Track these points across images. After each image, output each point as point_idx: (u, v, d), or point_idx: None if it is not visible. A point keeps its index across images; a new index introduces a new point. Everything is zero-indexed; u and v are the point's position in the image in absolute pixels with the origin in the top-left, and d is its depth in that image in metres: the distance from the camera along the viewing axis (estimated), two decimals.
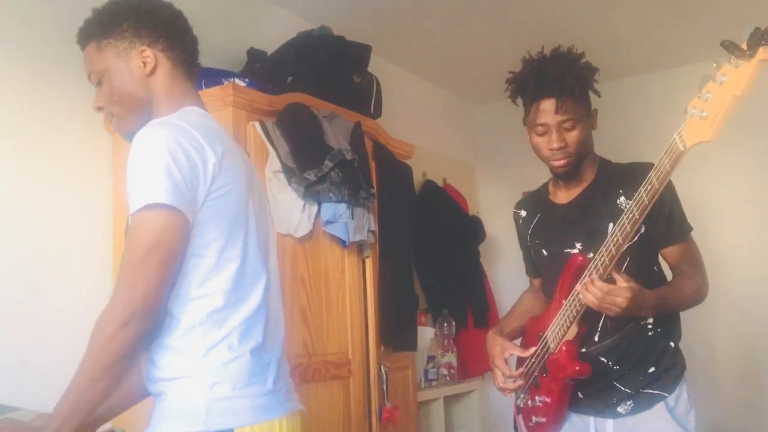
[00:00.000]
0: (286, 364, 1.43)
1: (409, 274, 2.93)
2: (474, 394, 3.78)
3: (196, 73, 1.51)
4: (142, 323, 1.20)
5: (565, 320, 1.72)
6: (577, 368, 1.72)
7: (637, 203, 1.52)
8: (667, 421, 1.73)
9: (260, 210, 1.44)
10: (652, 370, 1.76)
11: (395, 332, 2.69)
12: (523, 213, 2.03)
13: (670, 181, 1.71)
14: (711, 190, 3.59)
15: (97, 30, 1.42)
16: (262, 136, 2.24)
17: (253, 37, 2.84)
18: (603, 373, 1.75)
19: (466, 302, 3.81)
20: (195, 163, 1.26)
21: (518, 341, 1.98)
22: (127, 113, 1.42)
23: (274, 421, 1.29)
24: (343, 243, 2.42)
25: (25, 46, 2.16)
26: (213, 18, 2.77)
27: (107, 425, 1.75)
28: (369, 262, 2.61)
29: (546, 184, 2.00)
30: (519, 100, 1.90)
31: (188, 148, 1.26)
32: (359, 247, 2.56)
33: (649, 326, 1.76)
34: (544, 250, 1.92)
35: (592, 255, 1.66)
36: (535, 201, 2.01)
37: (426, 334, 3.36)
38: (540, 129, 1.80)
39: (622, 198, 1.75)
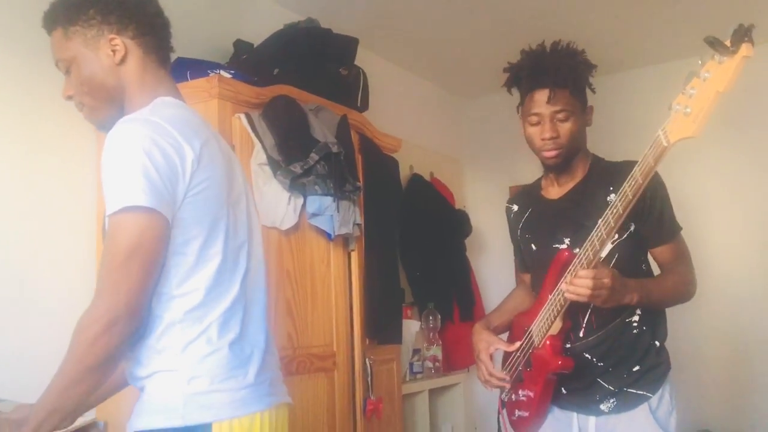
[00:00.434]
0: (273, 355, 1.41)
1: (395, 267, 2.94)
2: (458, 387, 3.80)
3: (169, 58, 1.46)
4: (127, 326, 1.19)
5: (550, 315, 1.72)
6: (560, 363, 1.73)
7: (621, 198, 1.52)
8: (648, 423, 1.73)
9: (242, 199, 1.41)
10: (636, 368, 1.76)
11: (380, 325, 2.69)
12: (515, 207, 2.04)
13: (661, 180, 1.74)
14: (697, 188, 3.60)
15: (63, 16, 1.37)
16: (248, 128, 2.23)
17: (240, 28, 2.82)
18: (587, 369, 1.76)
19: (451, 296, 3.83)
20: (172, 162, 1.23)
21: (505, 336, 1.99)
22: (98, 104, 1.39)
23: (255, 416, 1.28)
24: (328, 236, 2.42)
25: (3, 30, 2.14)
26: (199, 9, 2.75)
27: (89, 416, 1.75)
28: (354, 256, 2.61)
29: (539, 180, 2.00)
30: (514, 91, 1.90)
31: (164, 146, 1.23)
32: (345, 241, 2.56)
33: (635, 324, 1.77)
34: (533, 245, 1.92)
35: (578, 250, 1.67)
36: (527, 196, 2.02)
37: (411, 327, 3.37)
38: (533, 119, 1.81)
39: (612, 195, 1.74)
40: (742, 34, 1.26)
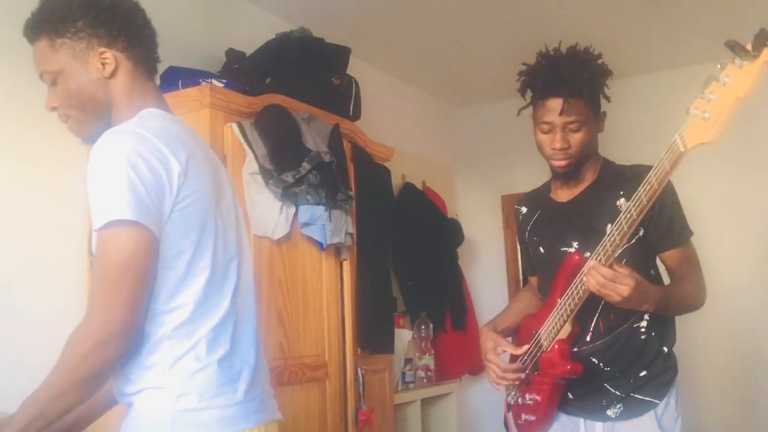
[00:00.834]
0: (264, 370, 1.40)
1: (387, 276, 2.93)
2: (451, 396, 3.79)
3: (156, 69, 1.44)
4: (121, 344, 1.17)
5: (559, 319, 1.71)
6: (569, 368, 1.71)
7: (635, 203, 1.50)
8: (654, 430, 1.72)
9: (231, 211, 1.40)
10: (643, 373, 1.75)
11: (372, 335, 2.68)
12: (524, 210, 2.01)
13: (671, 184, 1.71)
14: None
15: (49, 27, 1.33)
16: (240, 137, 2.23)
17: (232, 37, 2.82)
18: (593, 374, 1.74)
19: (444, 305, 3.82)
20: (159, 175, 1.21)
21: (510, 339, 1.97)
22: (85, 117, 1.36)
23: None
24: (320, 245, 2.41)
25: None
26: (191, 18, 2.75)
27: None
28: (346, 265, 2.60)
29: (548, 182, 1.98)
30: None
31: (151, 159, 1.21)
32: (337, 250, 2.55)
33: (643, 329, 1.75)
34: (541, 248, 1.91)
35: (588, 254, 1.65)
36: (536, 198, 2.00)
37: (403, 336, 3.36)
38: (545, 127, 1.78)
39: (623, 199, 1.73)
40: (765, 39, 1.23)
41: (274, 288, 2.28)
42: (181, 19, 2.66)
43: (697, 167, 3.56)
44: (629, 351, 1.75)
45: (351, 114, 2.86)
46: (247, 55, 2.72)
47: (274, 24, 3.01)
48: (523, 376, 1.84)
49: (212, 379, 1.25)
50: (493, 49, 3.65)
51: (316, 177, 2.31)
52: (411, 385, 3.45)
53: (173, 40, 2.59)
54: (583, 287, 1.63)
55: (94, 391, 1.24)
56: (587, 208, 1.81)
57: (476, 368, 4.15)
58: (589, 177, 1.85)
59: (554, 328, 1.73)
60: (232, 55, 2.72)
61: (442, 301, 3.82)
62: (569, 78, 1.73)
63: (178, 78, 2.30)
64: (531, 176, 4.25)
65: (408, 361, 3.48)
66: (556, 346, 1.73)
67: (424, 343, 3.61)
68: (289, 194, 2.25)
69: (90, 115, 1.36)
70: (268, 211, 2.24)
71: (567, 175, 1.83)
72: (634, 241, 1.69)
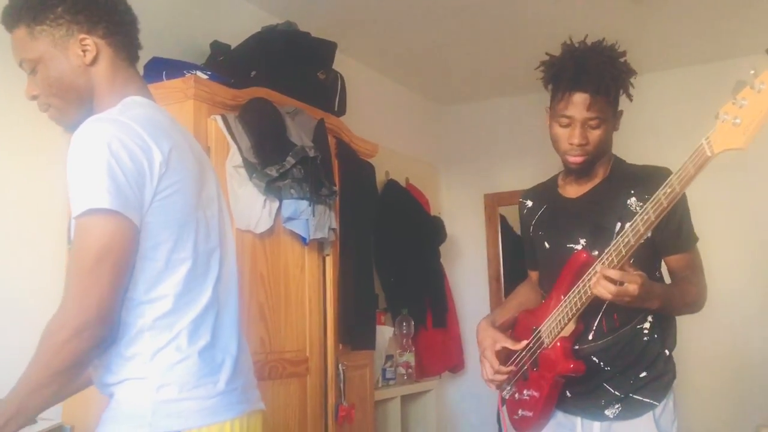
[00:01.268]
0: (246, 360, 1.39)
1: (370, 273, 2.93)
2: (431, 393, 3.80)
3: (137, 56, 1.42)
4: (97, 332, 1.16)
5: (564, 316, 1.69)
6: (572, 366, 1.69)
7: (654, 205, 1.47)
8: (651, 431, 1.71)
9: (215, 202, 1.38)
10: (643, 374, 1.74)
11: (354, 331, 2.68)
12: (529, 203, 1.98)
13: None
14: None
15: (28, 14, 1.31)
16: (224, 130, 2.21)
17: (217, 30, 2.80)
18: (593, 373, 1.73)
19: (425, 302, 3.83)
20: (140, 164, 1.20)
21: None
22: (67, 106, 1.34)
23: (225, 424, 1.25)
24: (303, 240, 2.40)
25: None
26: (176, 9, 2.72)
27: (56, 421, 1.71)
28: (329, 260, 2.60)
29: (555, 177, 1.95)
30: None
31: (132, 147, 1.20)
32: (320, 245, 2.55)
33: (645, 331, 1.74)
34: (546, 243, 1.88)
35: (597, 253, 1.64)
36: (543, 192, 1.96)
37: (385, 333, 3.36)
38: (564, 120, 1.74)
39: (633, 199, 1.72)
40: None
41: (256, 282, 2.26)
42: (167, 10, 2.63)
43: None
44: (631, 352, 1.73)
45: (336, 109, 2.85)
46: (232, 47, 2.70)
47: (259, 17, 2.99)
48: (512, 378, 1.83)
49: (193, 370, 1.24)
50: (478, 49, 3.66)
51: (301, 171, 2.30)
52: (391, 382, 3.46)
53: (158, 30, 2.58)
54: (589, 292, 1.60)
55: (74, 381, 1.23)
56: (597, 206, 1.78)
57: (456, 366, 4.17)
58: (599, 174, 1.82)
59: (557, 326, 1.71)
60: (217, 47, 2.70)
61: (424, 298, 3.83)
62: (597, 74, 1.70)
63: (162, 69, 2.28)
64: (514, 175, 4.34)
65: (389, 357, 3.49)
66: (559, 344, 1.70)
67: (405, 340, 3.61)
68: (272, 188, 2.24)
69: (71, 104, 1.34)
70: (252, 205, 2.23)
71: (581, 171, 1.80)
72: (641, 242, 1.64)
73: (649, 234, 1.64)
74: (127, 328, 1.23)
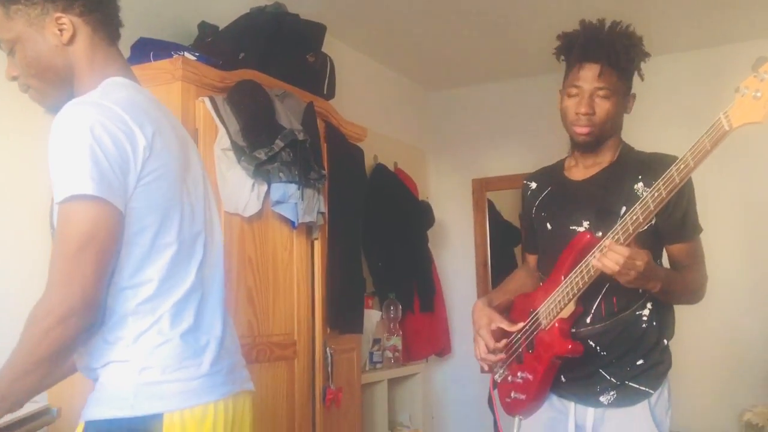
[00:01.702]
0: (233, 342, 1.39)
1: (358, 257, 2.93)
2: (417, 377, 3.82)
3: (118, 34, 1.39)
4: (82, 319, 1.15)
5: (563, 297, 1.67)
6: (570, 347, 1.67)
7: (665, 182, 1.46)
8: (646, 420, 1.70)
9: (200, 185, 1.37)
10: (640, 362, 1.72)
11: (342, 314, 2.69)
12: (533, 185, 1.96)
13: (689, 178, 1.64)
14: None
15: None
16: (212, 112, 2.20)
17: (205, 10, 2.77)
18: (589, 358, 1.71)
19: (412, 287, 3.84)
20: (123, 149, 1.19)
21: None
22: (46, 86, 1.33)
23: (208, 406, 1.25)
24: (292, 224, 2.39)
25: None
26: None
27: (42, 403, 1.70)
28: (318, 244, 2.59)
29: (562, 160, 1.93)
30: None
31: (115, 132, 1.18)
32: (308, 229, 2.54)
33: (644, 318, 1.73)
34: (548, 224, 1.86)
35: (600, 234, 1.62)
36: (548, 175, 1.95)
37: (372, 317, 3.37)
38: (573, 90, 1.74)
39: (640, 184, 1.71)
40: None
41: (244, 266, 2.26)
42: None
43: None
44: (628, 338, 1.72)
45: (325, 92, 2.83)
46: (221, 29, 2.67)
47: None
48: (506, 360, 1.81)
49: (175, 352, 1.24)
50: (468, 34, 3.65)
51: (289, 155, 2.28)
52: (378, 365, 3.47)
53: (144, 11, 2.55)
54: (592, 270, 1.59)
55: (58, 368, 1.23)
56: (603, 189, 1.77)
57: (443, 350, 4.19)
58: (607, 158, 1.80)
59: (556, 307, 1.69)
60: (205, 28, 2.67)
61: (411, 282, 3.84)
62: (608, 44, 1.70)
63: (150, 49, 2.26)
64: (502, 161, 4.34)
65: (376, 341, 3.50)
66: (557, 325, 1.68)
67: (392, 324, 3.63)
68: (261, 171, 2.23)
69: (50, 84, 1.33)
70: (240, 188, 2.22)
71: (587, 146, 1.77)
72: (645, 229, 1.64)
73: (653, 221, 1.64)
74: (111, 313, 1.23)
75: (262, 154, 2.20)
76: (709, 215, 1.82)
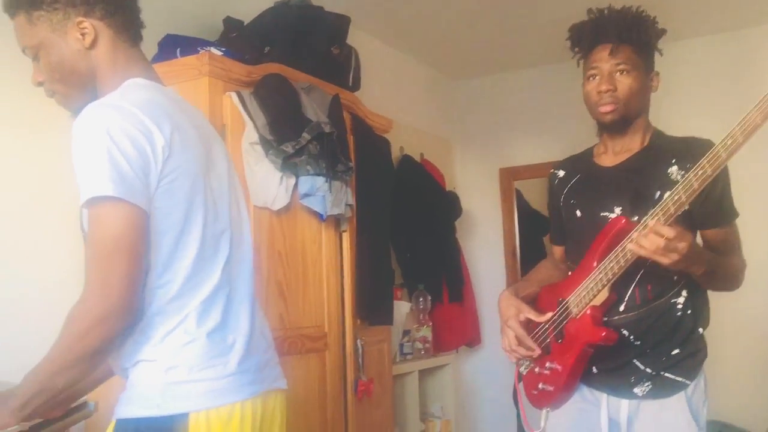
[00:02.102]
0: (261, 340, 1.38)
1: (386, 248, 2.93)
2: (448, 367, 3.82)
3: (140, 35, 1.41)
4: (120, 321, 1.17)
5: (596, 284, 1.63)
6: (604, 334, 1.61)
7: (711, 158, 1.41)
8: (683, 412, 1.65)
9: (225, 182, 1.37)
10: (675, 352, 1.67)
11: (371, 306, 2.69)
12: (561, 173, 1.92)
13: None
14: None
15: (25, 1, 1.31)
16: (239, 106, 2.21)
17: (230, 5, 2.77)
18: (622, 347, 1.66)
19: (441, 277, 3.83)
20: (143, 149, 1.19)
21: None
22: (71, 90, 1.34)
23: (234, 405, 1.25)
24: (320, 216, 2.40)
25: None
26: None
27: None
28: (346, 236, 2.60)
29: (590, 148, 1.89)
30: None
31: (134, 133, 1.19)
32: (336, 221, 2.55)
33: (679, 306, 1.68)
34: (578, 211, 1.81)
35: (637, 219, 1.58)
36: (577, 162, 1.91)
37: (402, 308, 3.37)
38: (592, 72, 1.72)
39: (675, 167, 1.67)
40: None
41: (273, 259, 2.27)
42: None
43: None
44: (663, 327, 1.67)
45: (350, 84, 2.83)
46: (246, 23, 2.68)
47: None
48: (535, 354, 1.76)
49: (201, 351, 1.24)
50: (492, 21, 3.61)
51: (316, 147, 2.29)
52: (409, 357, 3.47)
53: (170, 7, 2.56)
54: (629, 254, 1.54)
55: (95, 367, 1.24)
56: (637, 174, 1.72)
57: (473, 340, 4.18)
58: (637, 142, 1.76)
59: (588, 294, 1.65)
60: (230, 23, 2.68)
61: (440, 273, 3.83)
62: (616, 22, 1.69)
63: (176, 46, 2.27)
64: (530, 149, 4.30)
65: (406, 332, 3.50)
66: (588, 312, 1.63)
67: (422, 315, 3.62)
68: (289, 165, 2.23)
69: (74, 88, 1.34)
70: (268, 182, 2.23)
71: (614, 125, 1.73)
72: (678, 214, 1.57)
73: (687, 207, 1.57)
74: (140, 314, 1.24)
75: (289, 148, 2.21)
76: (745, 201, 1.78)
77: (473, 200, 4.39)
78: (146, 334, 1.24)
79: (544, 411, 1.81)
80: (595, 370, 1.72)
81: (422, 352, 3.58)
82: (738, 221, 1.74)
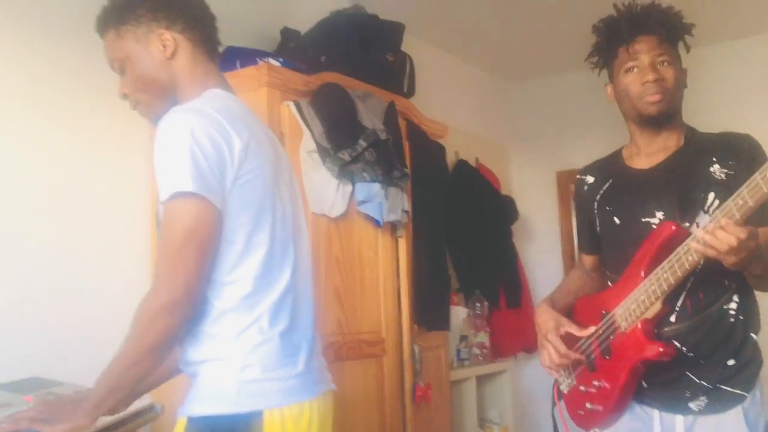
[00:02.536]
0: (318, 342, 1.44)
1: (442, 253, 2.93)
2: (506, 374, 3.78)
3: (217, 51, 1.49)
4: (185, 310, 1.22)
5: (648, 296, 1.53)
6: (661, 349, 1.51)
7: None
8: (740, 426, 1.54)
9: (290, 192, 1.44)
10: (731, 362, 1.56)
11: (428, 311, 2.69)
12: (590, 179, 1.81)
13: None
14: None
15: (114, 17, 1.41)
16: (297, 116, 2.25)
17: (287, 16, 2.84)
18: (675, 360, 1.55)
19: (498, 282, 3.80)
20: (221, 150, 1.26)
21: None
22: (153, 99, 1.42)
23: (304, 404, 1.30)
24: (377, 223, 2.42)
25: (61, 24, 2.19)
26: None
27: (147, 400, 1.79)
28: (402, 242, 2.61)
29: (618, 151, 1.80)
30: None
31: (214, 134, 1.26)
32: (393, 227, 2.56)
33: (732, 312, 1.58)
34: (616, 218, 1.70)
35: (687, 225, 1.51)
36: (606, 166, 1.80)
37: (458, 313, 3.36)
38: (630, 65, 1.64)
39: (716, 166, 1.58)
40: None
41: (331, 265, 2.30)
42: (237, 0, 2.68)
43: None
44: (716, 336, 1.57)
45: (405, 91, 2.85)
46: (302, 33, 2.73)
47: (328, 2, 3.00)
48: (578, 366, 1.69)
49: (274, 351, 1.29)
50: (547, 23, 3.57)
51: (372, 154, 2.31)
52: (466, 362, 3.46)
53: (229, 19, 2.60)
54: (690, 258, 1.44)
55: (163, 359, 1.29)
56: (679, 175, 1.62)
57: (531, 346, 4.13)
58: (673, 142, 1.67)
59: (639, 307, 1.55)
60: (287, 33, 2.73)
61: (496, 278, 3.80)
62: (658, 15, 1.63)
63: (236, 58, 2.33)
64: (587, 151, 4.14)
65: (463, 338, 3.49)
66: (639, 326, 1.54)
67: (479, 321, 3.60)
68: (345, 172, 2.26)
69: (156, 97, 1.42)
70: (325, 189, 2.26)
71: (660, 117, 1.63)
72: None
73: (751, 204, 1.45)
74: (210, 307, 1.29)
75: (346, 155, 2.24)
76: None
77: (530, 204, 4.34)
78: (217, 329, 1.29)
79: None
80: (645, 384, 1.62)
81: (480, 358, 3.56)
82: None
